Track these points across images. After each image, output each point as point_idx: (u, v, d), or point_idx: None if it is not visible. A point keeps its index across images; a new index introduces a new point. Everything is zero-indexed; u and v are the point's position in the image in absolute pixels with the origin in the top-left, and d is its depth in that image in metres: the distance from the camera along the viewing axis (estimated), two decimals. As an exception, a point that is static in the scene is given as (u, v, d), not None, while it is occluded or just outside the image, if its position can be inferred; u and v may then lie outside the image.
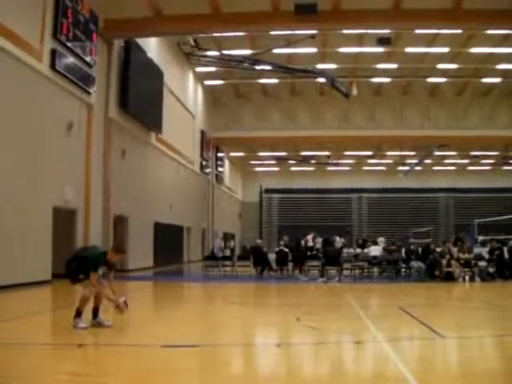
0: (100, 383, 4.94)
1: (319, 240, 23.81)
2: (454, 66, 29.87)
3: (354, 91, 24.88)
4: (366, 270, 19.44)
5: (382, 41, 24.28)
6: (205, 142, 34.92)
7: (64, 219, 16.38)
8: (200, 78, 33.41)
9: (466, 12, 19.28)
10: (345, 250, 22.29)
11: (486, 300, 12.93)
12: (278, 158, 46.72)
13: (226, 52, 26.93)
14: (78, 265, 7.61)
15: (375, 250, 19.38)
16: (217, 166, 39.20)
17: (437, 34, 25.43)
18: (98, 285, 7.55)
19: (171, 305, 12.21)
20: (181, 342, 6.68)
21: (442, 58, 28.64)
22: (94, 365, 5.81)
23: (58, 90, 15.79)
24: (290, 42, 25.17)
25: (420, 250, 19.18)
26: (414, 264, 17.50)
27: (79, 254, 8.03)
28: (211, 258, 21.99)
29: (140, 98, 21.48)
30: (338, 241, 24.68)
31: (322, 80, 28.46)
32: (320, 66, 28.61)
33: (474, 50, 27.16)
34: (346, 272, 18.42)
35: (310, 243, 23.96)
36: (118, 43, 20.37)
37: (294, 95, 36.68)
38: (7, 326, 7.84)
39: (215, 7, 19.94)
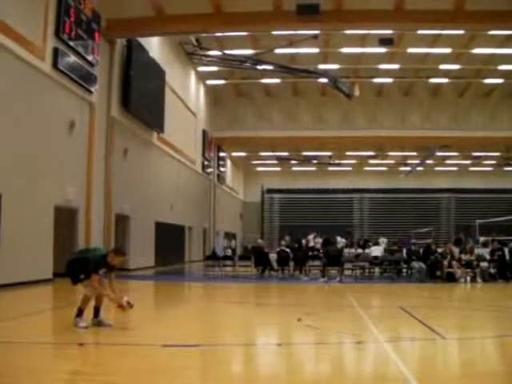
0: (101, 382, 4.94)
1: (319, 240, 23.88)
2: (456, 66, 29.83)
3: (356, 92, 24.86)
4: (367, 271, 19.44)
5: (384, 41, 24.26)
6: (206, 142, 34.92)
7: (65, 218, 16.40)
8: (202, 77, 33.43)
9: (468, 13, 19.24)
10: (346, 250, 22.30)
11: (487, 301, 12.92)
12: (279, 158, 46.71)
13: (228, 52, 26.93)
14: (78, 266, 7.62)
15: (376, 251, 19.37)
16: (218, 165, 39.19)
17: (439, 35, 25.41)
18: (100, 286, 7.56)
19: (172, 304, 12.22)
20: (181, 342, 6.68)
21: (444, 58, 28.60)
22: (95, 364, 5.81)
23: (60, 88, 15.80)
24: (292, 42, 25.18)
25: (421, 250, 19.18)
26: (415, 264, 17.48)
27: (80, 255, 8.05)
28: (212, 257, 21.99)
29: (142, 97, 21.50)
30: (339, 241, 24.72)
31: (324, 80, 28.44)
32: (322, 67, 28.62)
33: (476, 50, 27.12)
34: (347, 272, 18.42)
35: (311, 243, 24.01)
36: (120, 42, 20.40)
37: (296, 95, 36.66)
38: (8, 325, 7.85)
39: (217, 7, 19.94)
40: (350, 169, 49.45)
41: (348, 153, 44.99)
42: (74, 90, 16.51)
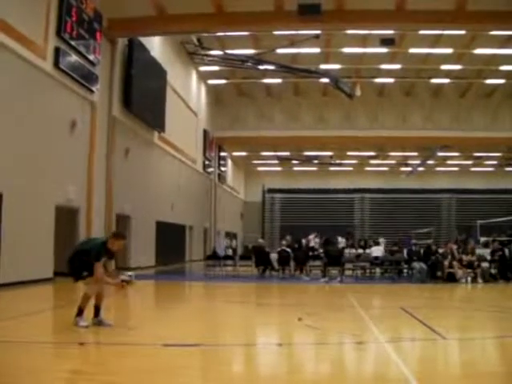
0: (101, 382, 4.94)
1: (317, 240, 23.93)
2: (457, 67, 29.80)
3: (358, 92, 24.84)
4: (367, 271, 19.44)
5: (386, 41, 24.26)
6: (207, 142, 34.92)
7: (66, 218, 16.41)
8: (203, 77, 33.43)
9: (470, 13, 19.22)
10: (346, 251, 22.30)
11: (488, 301, 12.91)
12: (280, 158, 46.70)
13: (229, 51, 26.92)
14: (80, 262, 7.59)
15: (377, 251, 19.38)
16: (219, 165, 39.19)
17: (440, 35, 25.38)
18: (103, 276, 7.51)
19: (173, 304, 12.23)
20: (182, 342, 6.68)
21: (445, 58, 28.58)
22: (96, 363, 5.80)
23: (62, 88, 15.81)
24: (293, 42, 25.18)
25: (422, 250, 19.18)
26: (416, 265, 17.47)
27: (80, 248, 7.97)
28: (213, 257, 21.99)
29: (143, 96, 21.51)
30: (340, 241, 24.71)
31: (325, 80, 28.43)
32: (323, 67, 28.59)
33: (478, 51, 27.09)
34: (347, 272, 18.41)
35: (312, 243, 24.02)
36: (122, 42, 20.41)
37: (298, 95, 36.64)
38: (8, 324, 7.85)
39: (219, 6, 19.93)
40: (351, 169, 49.43)
41: (349, 153, 44.97)
42: (75, 89, 16.52)
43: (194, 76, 31.90)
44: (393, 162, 47.57)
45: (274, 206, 51.19)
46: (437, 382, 5.24)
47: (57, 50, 15.21)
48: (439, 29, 22.66)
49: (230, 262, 20.58)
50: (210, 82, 34.56)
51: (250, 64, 26.65)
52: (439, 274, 16.90)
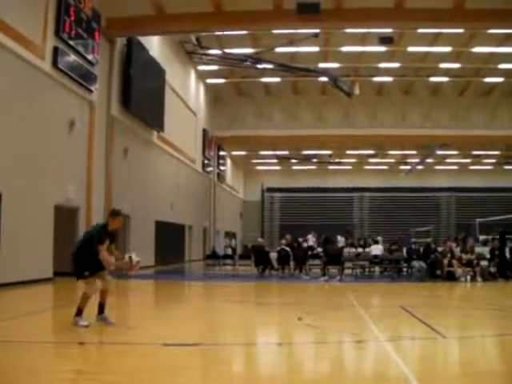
0: (101, 381, 4.94)
1: (314, 239, 24.03)
2: (456, 65, 29.79)
3: (356, 90, 24.81)
4: (367, 270, 19.45)
5: (385, 40, 24.26)
6: (207, 141, 34.91)
7: (66, 217, 16.39)
8: (202, 76, 33.40)
9: (468, 11, 19.24)
10: (346, 250, 22.32)
11: (487, 300, 12.92)
12: (279, 157, 46.71)
13: (228, 50, 26.91)
14: (84, 260, 7.51)
15: (376, 250, 19.38)
16: (218, 164, 39.18)
17: (439, 34, 25.37)
18: (109, 257, 7.49)
19: (172, 303, 12.23)
20: (182, 341, 6.69)
21: (444, 57, 28.57)
22: (96, 363, 5.81)
23: (60, 88, 15.79)
24: (292, 40, 25.14)
25: (421, 249, 19.19)
26: (416, 263, 17.49)
27: (82, 241, 7.86)
28: (212, 256, 22.00)
29: (142, 96, 21.48)
30: (340, 240, 24.72)
31: (324, 79, 28.42)
32: (322, 65, 28.57)
33: (477, 49, 27.08)
34: (347, 271, 18.42)
35: (311, 243, 24.06)
36: (121, 41, 20.39)
37: (296, 94, 36.63)
38: (8, 324, 7.85)
39: (217, 6, 19.92)
40: (350, 167, 49.44)
41: (348, 151, 44.98)
42: (74, 89, 16.50)
43: (193, 75, 31.88)
44: (392, 160, 47.58)
45: (273, 205, 51.21)
46: (437, 380, 5.25)
47: (55, 50, 15.19)
48: (438, 27, 22.68)
49: (229, 261, 20.59)
50: (209, 81, 34.52)
51: (248, 63, 26.64)
52: (439, 272, 16.91)
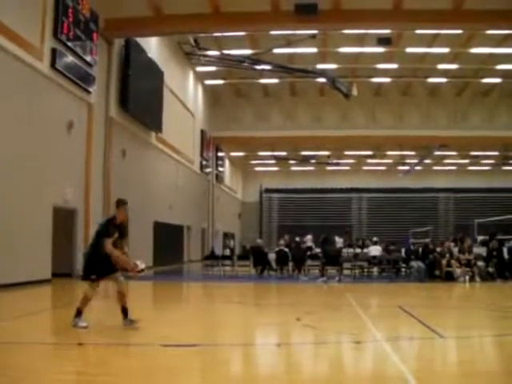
0: (100, 382, 4.95)
1: (311, 241, 24.07)
2: (454, 66, 29.84)
3: (355, 91, 24.83)
4: (365, 270, 19.45)
5: (383, 41, 24.26)
6: (205, 142, 34.92)
7: (64, 219, 16.38)
8: (200, 77, 33.41)
9: (466, 12, 19.26)
10: (344, 250, 22.33)
11: (486, 300, 12.93)
12: (278, 158, 46.72)
13: (226, 52, 26.93)
14: (97, 262, 7.45)
15: (375, 250, 19.38)
16: (217, 165, 39.19)
17: (437, 35, 25.41)
18: (114, 251, 7.43)
19: (171, 304, 12.23)
20: (181, 342, 6.69)
21: (442, 58, 28.61)
22: (95, 364, 5.80)
23: (58, 89, 15.79)
24: (290, 41, 25.17)
25: (420, 249, 19.19)
26: (414, 264, 17.49)
27: (93, 238, 7.76)
28: (211, 257, 21.98)
29: (140, 97, 21.48)
30: (338, 241, 24.73)
31: (322, 80, 28.44)
32: (320, 66, 28.60)
33: (475, 50, 27.12)
34: (345, 272, 18.42)
35: (309, 243, 24.06)
36: (119, 42, 20.38)
37: (295, 95, 36.67)
38: (7, 325, 7.85)
39: (215, 7, 19.93)
40: (348, 168, 49.47)
41: (346, 152, 45.01)
42: (72, 90, 16.50)
43: (191, 76, 31.88)
44: (390, 161, 47.61)
45: (271, 205, 51.22)
46: (435, 380, 5.25)
47: (53, 51, 15.19)
48: (436, 28, 22.67)
49: (228, 262, 20.54)
50: (207, 82, 34.54)
51: (246, 64, 26.65)
52: (437, 272, 16.92)
